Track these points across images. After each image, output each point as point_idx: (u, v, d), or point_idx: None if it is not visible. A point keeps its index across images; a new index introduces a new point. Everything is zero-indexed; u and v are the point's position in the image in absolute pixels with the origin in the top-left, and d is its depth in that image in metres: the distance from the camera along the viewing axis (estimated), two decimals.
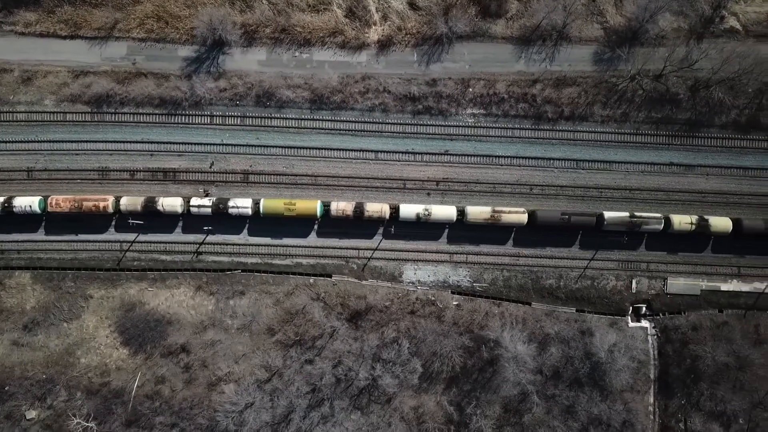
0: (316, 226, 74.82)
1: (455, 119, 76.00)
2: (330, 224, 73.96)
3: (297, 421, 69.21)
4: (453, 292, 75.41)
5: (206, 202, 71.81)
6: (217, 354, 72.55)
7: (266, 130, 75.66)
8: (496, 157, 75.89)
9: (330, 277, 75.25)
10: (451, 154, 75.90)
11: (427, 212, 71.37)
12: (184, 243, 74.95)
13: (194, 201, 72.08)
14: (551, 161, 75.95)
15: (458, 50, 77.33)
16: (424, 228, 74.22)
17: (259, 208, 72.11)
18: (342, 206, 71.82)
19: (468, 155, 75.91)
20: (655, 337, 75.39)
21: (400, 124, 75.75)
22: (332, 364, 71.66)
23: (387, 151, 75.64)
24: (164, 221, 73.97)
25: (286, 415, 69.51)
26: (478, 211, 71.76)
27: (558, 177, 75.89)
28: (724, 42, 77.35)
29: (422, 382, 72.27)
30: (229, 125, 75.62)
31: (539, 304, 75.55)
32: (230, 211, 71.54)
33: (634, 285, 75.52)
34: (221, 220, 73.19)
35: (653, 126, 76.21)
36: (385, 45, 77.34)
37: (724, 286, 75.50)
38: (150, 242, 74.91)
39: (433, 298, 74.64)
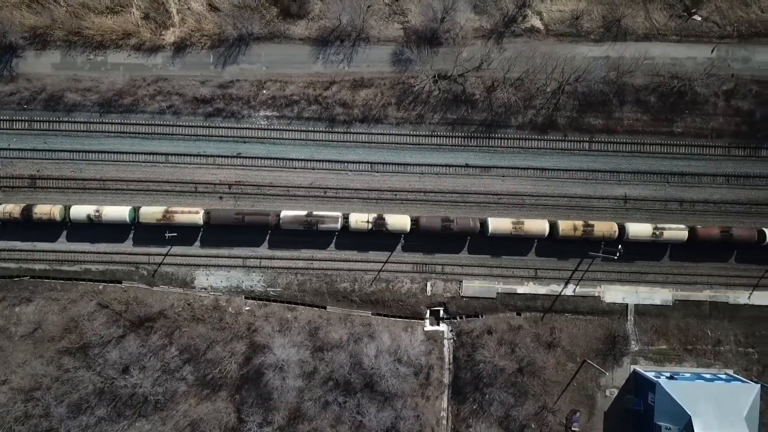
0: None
1: (248, 121, 74.89)
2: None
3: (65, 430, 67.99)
4: (247, 298, 74.32)
5: None
6: None
7: (54, 134, 74.46)
8: (289, 159, 74.81)
9: (120, 283, 74.06)
10: (243, 157, 74.79)
11: (98, 213, 70.18)
12: None
13: None
14: (345, 164, 74.85)
15: (255, 51, 76.25)
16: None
17: None
18: (9, 209, 70.61)
19: (261, 158, 74.81)
20: (452, 340, 74.45)
21: (191, 126, 74.62)
22: (114, 371, 70.30)
23: (178, 154, 74.47)
24: None
25: (54, 425, 68.26)
26: (150, 212, 70.66)
27: (353, 180, 74.79)
28: (524, 41, 76.54)
29: (204, 388, 71.15)
30: (15, 129, 74.37)
31: (334, 307, 74.50)
32: None
33: (428, 288, 74.53)
34: None
35: (449, 127, 75.21)
36: (181, 47, 76.17)
37: (521, 289, 74.56)
38: None
39: (225, 304, 73.52)
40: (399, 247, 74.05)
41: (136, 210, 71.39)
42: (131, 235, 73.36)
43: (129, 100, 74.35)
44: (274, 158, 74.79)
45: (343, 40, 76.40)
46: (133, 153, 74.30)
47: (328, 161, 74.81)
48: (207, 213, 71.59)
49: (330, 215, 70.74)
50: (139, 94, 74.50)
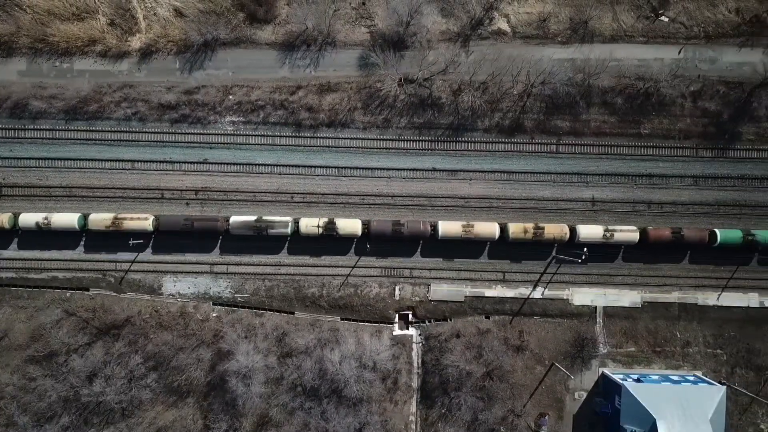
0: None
1: (214, 127, 74.65)
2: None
3: None
4: (214, 304, 74.12)
5: None
6: None
7: (20, 142, 74.15)
8: (256, 165, 74.59)
9: (87, 290, 73.84)
10: (210, 163, 74.59)
11: (46, 221, 70.03)
12: None
13: None
14: (313, 169, 74.69)
15: (222, 57, 76.05)
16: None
17: None
18: None
19: (227, 163, 74.59)
20: (421, 345, 74.29)
21: (157, 132, 74.36)
22: (79, 379, 69.97)
23: (144, 161, 74.27)
24: None
25: None
26: (99, 219, 70.48)
27: (320, 185, 74.61)
28: (490, 44, 76.39)
29: (171, 395, 70.97)
30: None
31: (302, 313, 74.34)
32: None
33: (397, 292, 74.35)
34: None
35: (416, 131, 75.02)
36: (147, 53, 75.95)
37: (489, 292, 74.36)
38: None
39: (192, 311, 73.33)
40: (352, 251, 73.96)
41: (85, 217, 71.14)
42: (83, 242, 73.20)
43: (94, 107, 74.13)
44: (240, 164, 74.58)
45: (309, 44, 76.25)
46: (99, 160, 74.10)
47: (295, 166, 74.65)
48: (157, 219, 71.30)
49: (280, 220, 70.58)
50: (105, 101, 74.29)
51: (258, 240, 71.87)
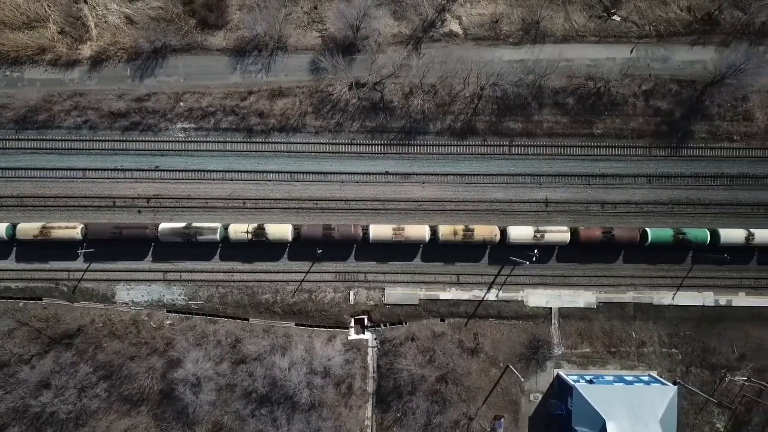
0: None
1: (165, 134, 74.36)
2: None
3: None
4: (168, 311, 73.85)
5: None
6: None
7: None
8: (208, 171, 74.34)
9: (40, 300, 73.54)
10: (161, 170, 74.29)
11: None
12: None
13: None
14: (265, 174, 74.45)
15: (173, 63, 75.76)
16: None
17: None
18: None
19: (179, 170, 74.32)
20: (376, 349, 74.07)
21: (108, 140, 74.08)
22: (29, 390, 69.73)
23: (95, 169, 74.00)
24: None
25: None
26: (26, 228, 70.23)
27: (272, 190, 74.38)
28: (442, 46, 76.19)
29: (125, 404, 70.72)
30: None
31: (257, 319, 74.08)
32: None
33: (351, 296, 74.12)
34: None
35: (368, 135, 74.77)
36: (97, 61, 75.63)
37: (443, 295, 74.16)
38: None
39: (146, 319, 73.06)
40: (284, 255, 73.84)
41: (14, 226, 70.81)
42: (14, 252, 73.15)
43: (44, 116, 73.77)
44: (192, 170, 74.33)
45: (260, 49, 75.97)
46: (49, 169, 73.79)
47: (247, 172, 74.41)
48: (86, 228, 71.13)
49: (209, 226, 70.42)
50: (55, 110, 73.94)
51: (190, 246, 71.59)
